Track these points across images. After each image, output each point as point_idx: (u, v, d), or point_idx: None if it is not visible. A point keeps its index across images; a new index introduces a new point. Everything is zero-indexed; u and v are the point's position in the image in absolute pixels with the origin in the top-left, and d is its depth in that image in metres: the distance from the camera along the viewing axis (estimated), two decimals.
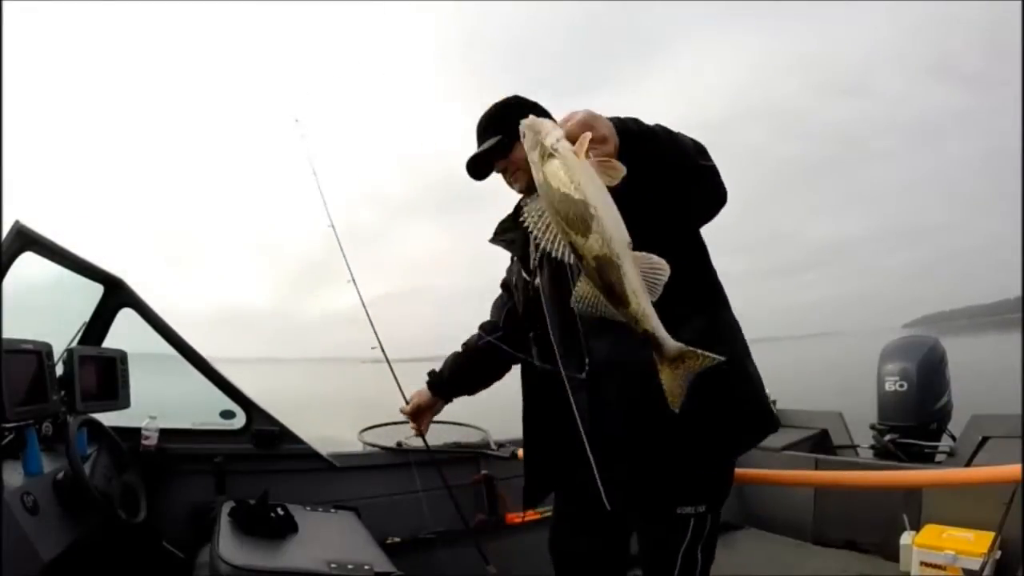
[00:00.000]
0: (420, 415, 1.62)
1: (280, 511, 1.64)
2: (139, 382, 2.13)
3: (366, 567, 1.43)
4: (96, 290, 2.07)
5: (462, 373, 1.54)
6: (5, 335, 1.42)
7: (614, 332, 0.97)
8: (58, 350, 1.77)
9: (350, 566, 1.42)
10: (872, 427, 3.19)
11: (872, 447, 3.21)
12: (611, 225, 0.61)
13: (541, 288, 1.21)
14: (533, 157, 0.64)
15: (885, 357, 3.20)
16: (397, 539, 2.14)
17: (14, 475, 1.37)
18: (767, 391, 3.81)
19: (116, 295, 2.09)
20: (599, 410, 1.09)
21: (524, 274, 1.29)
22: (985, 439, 2.61)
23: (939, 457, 2.97)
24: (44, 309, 2.12)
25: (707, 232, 1.09)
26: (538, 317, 1.22)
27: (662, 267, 0.64)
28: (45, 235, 1.67)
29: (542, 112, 1.23)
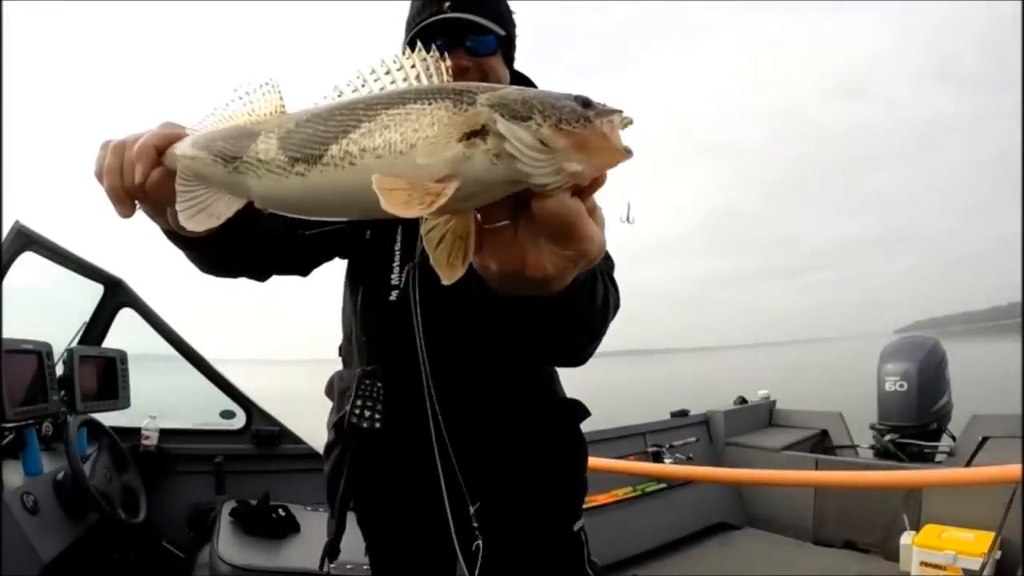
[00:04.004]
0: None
1: (281, 512, 1.64)
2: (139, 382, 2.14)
3: (365, 567, 1.43)
4: (96, 290, 2.08)
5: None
6: (5, 335, 1.43)
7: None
8: (58, 350, 1.78)
9: (349, 566, 1.42)
10: (872, 427, 3.19)
11: (872, 447, 3.21)
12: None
13: (413, 302, 0.81)
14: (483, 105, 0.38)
15: (885, 357, 3.19)
16: None
17: (14, 475, 1.38)
18: (766, 391, 3.78)
19: (116, 295, 2.09)
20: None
21: (390, 273, 0.86)
22: (985, 439, 2.61)
23: (939, 457, 2.96)
24: (44, 309, 2.13)
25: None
26: (395, 344, 0.82)
27: None
28: (45, 235, 1.68)
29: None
